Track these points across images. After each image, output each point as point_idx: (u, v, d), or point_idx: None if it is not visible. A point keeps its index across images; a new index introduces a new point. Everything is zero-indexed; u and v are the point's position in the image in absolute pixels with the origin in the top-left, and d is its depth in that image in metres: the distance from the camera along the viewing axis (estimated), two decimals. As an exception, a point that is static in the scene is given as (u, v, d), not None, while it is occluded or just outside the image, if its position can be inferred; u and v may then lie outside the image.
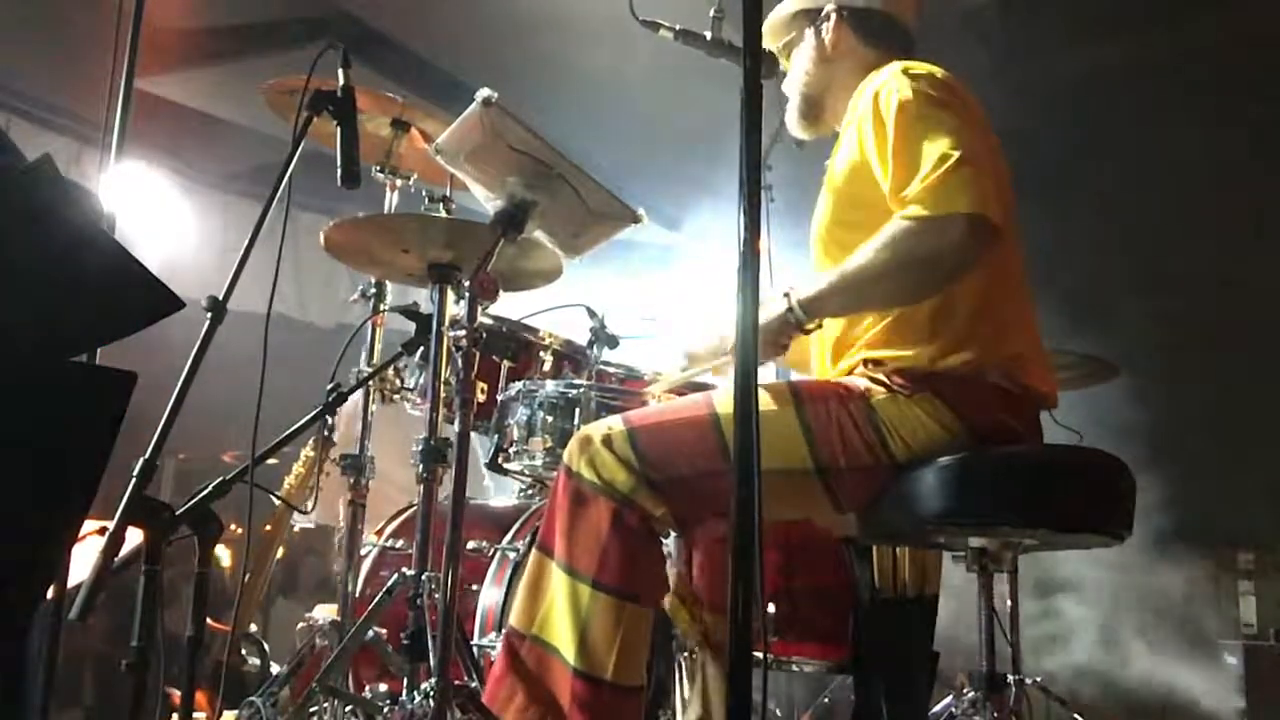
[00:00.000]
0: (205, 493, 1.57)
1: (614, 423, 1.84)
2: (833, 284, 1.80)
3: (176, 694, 1.66)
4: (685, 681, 2.25)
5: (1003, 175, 1.92)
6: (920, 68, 1.87)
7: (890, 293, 1.80)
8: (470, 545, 2.62)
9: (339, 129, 1.82)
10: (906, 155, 1.76)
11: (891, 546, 2.12)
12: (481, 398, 2.56)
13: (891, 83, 1.83)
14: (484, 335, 2.10)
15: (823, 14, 2.08)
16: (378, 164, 2.75)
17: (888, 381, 1.81)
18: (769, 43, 2.15)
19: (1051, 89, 4.30)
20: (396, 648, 2.15)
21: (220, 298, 1.58)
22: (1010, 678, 2.88)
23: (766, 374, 2.45)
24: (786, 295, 1.83)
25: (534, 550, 1.86)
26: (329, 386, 2.33)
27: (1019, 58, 4.17)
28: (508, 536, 2.66)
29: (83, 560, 1.39)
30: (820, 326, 1.86)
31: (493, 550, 2.64)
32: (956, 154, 1.70)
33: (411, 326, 2.22)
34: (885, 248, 1.73)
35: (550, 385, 2.42)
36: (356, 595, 2.66)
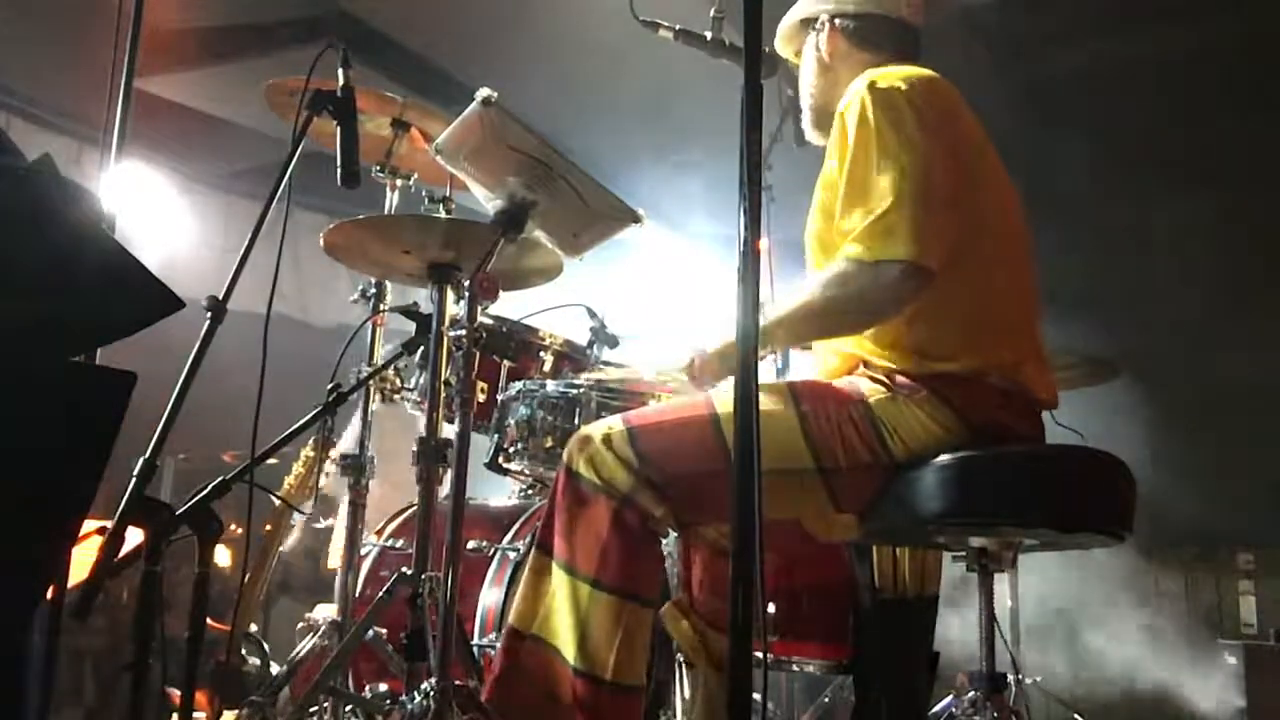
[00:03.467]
0: (205, 493, 1.57)
1: (614, 422, 1.84)
2: (778, 319, 1.86)
3: (176, 694, 1.66)
4: (685, 682, 2.25)
5: (1000, 182, 1.92)
6: (889, 79, 1.85)
7: (827, 329, 1.92)
8: (470, 545, 2.62)
9: (339, 129, 1.82)
10: (854, 185, 1.80)
11: (891, 546, 2.12)
12: (481, 398, 2.56)
13: (855, 101, 1.83)
14: (484, 335, 2.09)
15: (818, 23, 2.08)
16: (378, 164, 2.74)
17: (887, 382, 1.81)
18: (782, 50, 2.16)
19: (1051, 86, 4.29)
20: (396, 648, 2.15)
21: (220, 298, 1.58)
22: (1010, 678, 2.88)
23: (766, 374, 2.44)
24: None
25: (534, 550, 1.86)
26: (329, 386, 2.33)
27: (1019, 55, 4.17)
28: (508, 536, 2.66)
29: (83, 560, 1.39)
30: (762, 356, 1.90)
31: (493, 550, 2.64)
32: (899, 195, 1.74)
33: (412, 326, 2.22)
34: (826, 288, 1.80)
35: (550, 385, 2.42)
36: (356, 595, 2.66)
